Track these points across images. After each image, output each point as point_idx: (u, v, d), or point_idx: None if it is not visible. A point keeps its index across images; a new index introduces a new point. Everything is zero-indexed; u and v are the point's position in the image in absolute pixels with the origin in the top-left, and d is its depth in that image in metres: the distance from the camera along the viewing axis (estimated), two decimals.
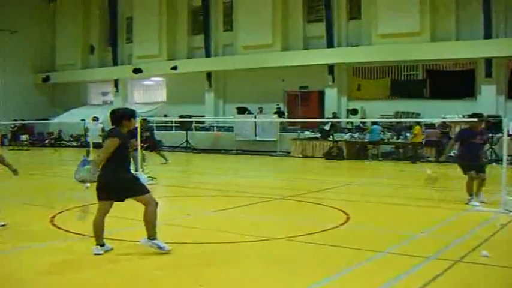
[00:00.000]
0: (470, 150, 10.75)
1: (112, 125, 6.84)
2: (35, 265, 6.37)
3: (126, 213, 9.88)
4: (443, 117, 21.72)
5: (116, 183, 6.66)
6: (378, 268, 6.32)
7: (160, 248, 6.73)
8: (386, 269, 6.19)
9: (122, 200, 6.85)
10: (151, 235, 6.79)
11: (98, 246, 6.72)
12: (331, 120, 25.38)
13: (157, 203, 6.84)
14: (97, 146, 21.39)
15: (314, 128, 26.35)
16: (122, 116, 6.86)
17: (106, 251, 6.75)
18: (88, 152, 17.34)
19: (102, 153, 6.65)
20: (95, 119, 21.04)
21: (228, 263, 6.61)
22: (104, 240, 6.80)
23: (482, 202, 10.68)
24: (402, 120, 24.43)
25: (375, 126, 23.21)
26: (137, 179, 7.14)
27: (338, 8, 27.84)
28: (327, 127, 25.56)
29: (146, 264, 6.44)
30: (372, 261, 6.56)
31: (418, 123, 16.83)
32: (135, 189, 6.79)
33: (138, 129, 14.66)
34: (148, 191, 6.86)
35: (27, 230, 8.37)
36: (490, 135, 20.89)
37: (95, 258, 6.59)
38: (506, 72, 24.14)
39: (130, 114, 6.94)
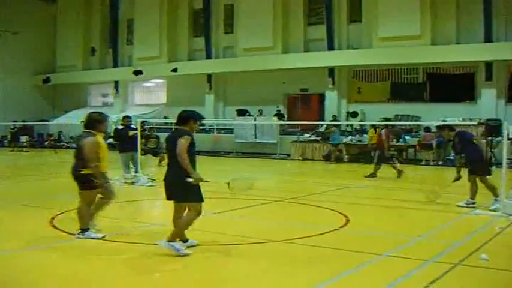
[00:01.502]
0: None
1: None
2: (34, 267, 6.38)
3: (123, 214, 9.90)
4: (443, 120, 21.75)
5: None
6: (377, 271, 6.32)
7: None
8: (386, 272, 6.19)
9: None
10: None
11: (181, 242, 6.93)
12: (326, 123, 25.37)
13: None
14: None
15: (314, 131, 26.38)
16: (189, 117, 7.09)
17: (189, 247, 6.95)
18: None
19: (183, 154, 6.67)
20: None
21: (227, 265, 6.62)
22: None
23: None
24: (402, 123, 24.45)
25: (335, 129, 24.22)
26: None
27: (339, 11, 27.87)
28: (322, 129, 25.65)
29: (146, 266, 6.44)
30: (371, 264, 6.56)
31: (386, 126, 17.16)
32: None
33: (139, 132, 14.69)
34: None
35: (27, 232, 8.37)
36: (490, 138, 21.00)
37: (95, 259, 6.60)
38: (506, 76, 24.16)
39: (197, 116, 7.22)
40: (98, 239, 7.50)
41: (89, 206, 7.62)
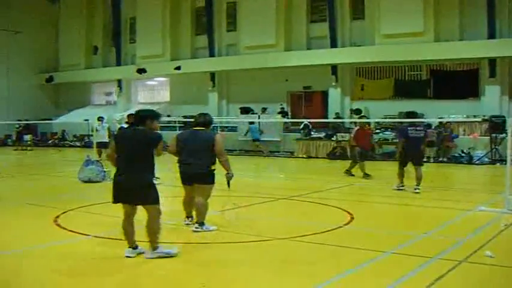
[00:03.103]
0: None
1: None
2: (39, 266, 6.39)
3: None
4: (441, 118, 21.81)
5: None
6: (381, 269, 6.32)
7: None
8: (390, 270, 6.19)
9: None
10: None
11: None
12: (330, 120, 25.37)
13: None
14: (103, 146, 21.37)
15: (318, 128, 26.38)
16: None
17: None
18: (100, 153, 17.23)
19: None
20: (100, 119, 21.05)
21: (231, 263, 6.62)
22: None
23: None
24: (405, 120, 24.33)
25: (253, 126, 25.07)
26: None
27: (341, 8, 27.79)
28: (301, 126, 25.83)
29: (150, 264, 6.44)
30: (376, 261, 6.56)
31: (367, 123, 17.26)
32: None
33: None
34: None
35: (31, 231, 8.39)
36: (494, 135, 20.99)
37: (98, 259, 6.61)
38: (510, 73, 24.08)
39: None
40: (214, 230, 8.11)
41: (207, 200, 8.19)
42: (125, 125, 15.03)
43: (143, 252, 6.68)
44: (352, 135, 16.23)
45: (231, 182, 8.47)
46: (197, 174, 8.08)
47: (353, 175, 16.01)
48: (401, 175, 13.06)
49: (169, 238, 7.78)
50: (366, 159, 16.28)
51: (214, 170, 8.16)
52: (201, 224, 8.10)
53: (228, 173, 8.26)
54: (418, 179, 12.64)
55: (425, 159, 21.69)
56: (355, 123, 16.77)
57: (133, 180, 6.47)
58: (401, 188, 12.97)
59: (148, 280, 5.96)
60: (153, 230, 6.61)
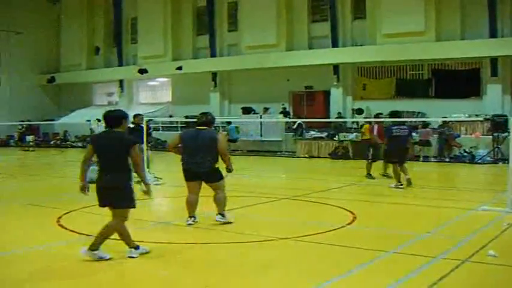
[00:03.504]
0: None
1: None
2: (42, 265, 6.39)
3: (130, 213, 9.90)
4: (444, 117, 21.80)
5: None
6: (384, 268, 6.31)
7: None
8: (394, 269, 6.18)
9: None
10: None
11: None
12: (332, 120, 25.37)
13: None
14: None
15: (320, 128, 26.39)
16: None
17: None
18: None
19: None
20: (99, 120, 20.98)
21: (234, 263, 6.61)
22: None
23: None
24: (407, 120, 24.36)
25: (231, 126, 25.59)
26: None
27: (343, 8, 27.81)
28: (294, 126, 25.73)
29: (152, 264, 6.44)
30: (379, 261, 6.55)
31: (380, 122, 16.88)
32: None
33: (144, 130, 14.68)
34: None
35: (34, 231, 8.39)
36: (496, 134, 20.97)
37: (101, 260, 6.61)
38: (511, 71, 24.06)
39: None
40: (232, 222, 8.65)
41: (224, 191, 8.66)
42: (132, 125, 15.00)
43: (148, 252, 6.68)
44: (375, 134, 15.58)
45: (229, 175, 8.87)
46: (205, 173, 8.44)
47: (389, 176, 15.26)
48: (397, 174, 13.35)
49: (171, 238, 7.79)
50: (378, 159, 15.88)
51: (218, 166, 8.54)
52: (223, 215, 8.64)
53: (228, 169, 8.64)
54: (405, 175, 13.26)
55: (421, 159, 21.96)
56: (369, 122, 16.38)
57: (108, 183, 6.44)
58: (399, 187, 13.14)
59: (150, 280, 5.95)
60: (124, 235, 6.55)
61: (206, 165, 8.40)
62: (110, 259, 6.42)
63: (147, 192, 6.65)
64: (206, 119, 8.68)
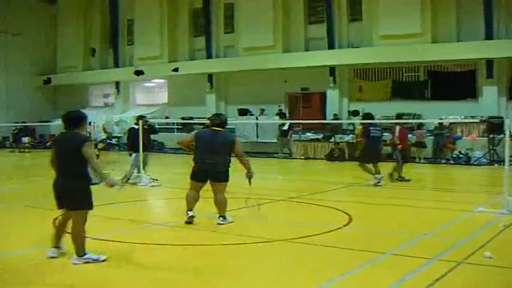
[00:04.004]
0: None
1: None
2: (37, 267, 6.38)
3: (125, 215, 9.92)
4: (440, 119, 21.83)
5: None
6: (381, 269, 6.32)
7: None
8: (390, 271, 6.19)
9: None
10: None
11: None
12: (329, 122, 25.38)
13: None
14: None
15: (316, 130, 26.40)
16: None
17: None
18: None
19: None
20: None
21: (230, 265, 6.61)
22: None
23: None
24: (403, 121, 24.38)
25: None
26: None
27: (339, 10, 27.82)
28: (285, 127, 25.71)
29: (151, 267, 6.44)
30: (375, 262, 6.56)
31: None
32: None
33: (140, 131, 14.65)
34: None
35: (30, 232, 8.37)
36: (491, 136, 21.01)
37: (98, 260, 6.60)
38: (507, 73, 24.12)
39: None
40: (231, 222, 8.79)
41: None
42: (135, 126, 15.01)
43: (104, 260, 6.55)
44: (396, 135, 15.37)
45: (251, 180, 9.02)
46: (218, 173, 8.66)
47: (408, 180, 15.16)
48: (370, 170, 14.12)
49: (168, 240, 7.79)
50: (407, 161, 15.79)
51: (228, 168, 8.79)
52: (224, 217, 8.81)
53: (248, 172, 8.89)
54: (378, 173, 14.05)
55: (416, 160, 21.96)
56: (396, 123, 16.15)
57: (65, 185, 6.44)
58: (378, 183, 13.90)
59: (149, 283, 5.93)
60: (74, 236, 6.51)
61: (221, 165, 8.63)
62: (104, 260, 6.48)
63: (110, 184, 6.54)
64: (220, 121, 8.92)
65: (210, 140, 8.71)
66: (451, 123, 22.19)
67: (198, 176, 8.73)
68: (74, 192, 6.41)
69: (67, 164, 6.46)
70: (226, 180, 8.76)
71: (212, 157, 8.57)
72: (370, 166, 14.18)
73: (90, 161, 6.38)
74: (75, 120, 6.61)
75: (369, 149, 14.00)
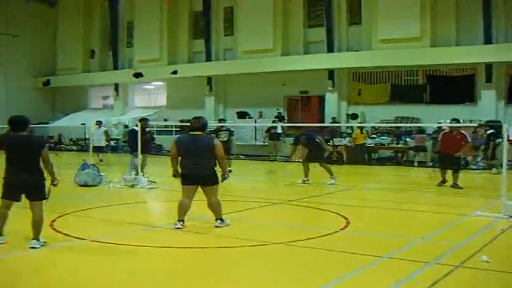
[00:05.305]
0: None
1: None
2: (35, 269, 6.37)
3: (123, 217, 9.90)
4: (439, 123, 21.80)
5: None
6: (378, 273, 6.31)
7: None
8: (387, 274, 6.18)
9: None
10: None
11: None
12: (327, 125, 25.39)
13: None
14: (98, 149, 21.29)
15: (315, 133, 26.34)
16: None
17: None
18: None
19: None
20: (98, 123, 21.06)
21: (226, 268, 6.61)
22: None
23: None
24: (402, 125, 24.47)
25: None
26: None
27: (338, 13, 27.87)
28: (278, 130, 25.64)
29: (145, 268, 6.43)
30: (372, 266, 6.54)
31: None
32: None
33: (139, 132, 14.65)
34: None
35: (27, 234, 8.35)
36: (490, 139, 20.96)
37: (94, 262, 6.59)
38: (506, 78, 24.16)
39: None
40: (228, 225, 8.78)
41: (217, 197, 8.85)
42: (137, 128, 15.03)
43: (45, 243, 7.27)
44: (438, 139, 15.13)
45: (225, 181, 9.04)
46: (206, 176, 8.59)
47: (444, 182, 14.93)
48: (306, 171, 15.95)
49: (166, 242, 7.78)
50: (451, 167, 14.80)
51: (216, 170, 8.77)
52: (222, 219, 8.75)
53: (225, 174, 8.88)
54: (330, 171, 15.80)
55: (415, 164, 21.96)
56: (441, 127, 15.91)
57: (27, 179, 7.19)
58: (306, 181, 15.69)
59: (143, 286, 5.92)
60: (39, 223, 7.27)
61: (208, 168, 8.58)
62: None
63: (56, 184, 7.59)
64: (199, 124, 8.76)
65: (190, 145, 8.65)
66: (450, 127, 22.11)
67: (187, 180, 8.63)
68: (36, 185, 7.24)
69: (29, 162, 7.21)
70: (216, 182, 8.71)
71: (196, 162, 8.52)
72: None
73: (47, 163, 7.33)
74: (22, 124, 7.35)
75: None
